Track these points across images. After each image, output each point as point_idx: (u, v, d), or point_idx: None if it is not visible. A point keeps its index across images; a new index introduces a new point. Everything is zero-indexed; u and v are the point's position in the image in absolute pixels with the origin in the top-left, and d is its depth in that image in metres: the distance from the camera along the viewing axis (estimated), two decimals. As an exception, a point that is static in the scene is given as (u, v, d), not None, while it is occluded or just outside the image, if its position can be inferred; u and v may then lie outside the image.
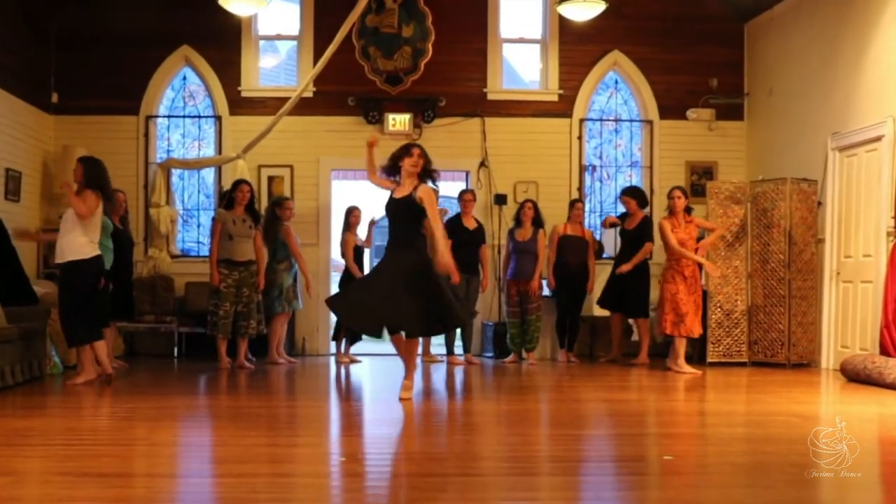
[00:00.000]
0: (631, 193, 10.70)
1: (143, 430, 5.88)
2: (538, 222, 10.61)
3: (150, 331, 11.15)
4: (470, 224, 10.82)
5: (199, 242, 11.85)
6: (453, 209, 11.80)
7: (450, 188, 14.47)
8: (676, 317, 9.58)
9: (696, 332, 9.58)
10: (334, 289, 11.47)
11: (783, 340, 10.20)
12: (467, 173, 11.98)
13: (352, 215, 10.59)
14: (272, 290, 10.02)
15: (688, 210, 9.84)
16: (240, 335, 9.73)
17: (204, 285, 10.49)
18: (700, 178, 11.85)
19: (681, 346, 9.65)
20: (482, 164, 11.77)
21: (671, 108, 11.94)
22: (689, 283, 9.61)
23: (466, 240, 10.71)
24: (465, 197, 10.83)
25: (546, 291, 10.86)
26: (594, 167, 12.08)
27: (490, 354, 11.27)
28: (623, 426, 6.25)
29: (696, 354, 10.64)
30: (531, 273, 10.45)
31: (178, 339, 11.09)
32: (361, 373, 9.72)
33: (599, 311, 11.12)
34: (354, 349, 10.78)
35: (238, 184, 9.90)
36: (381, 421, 6.23)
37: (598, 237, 11.56)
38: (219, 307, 9.62)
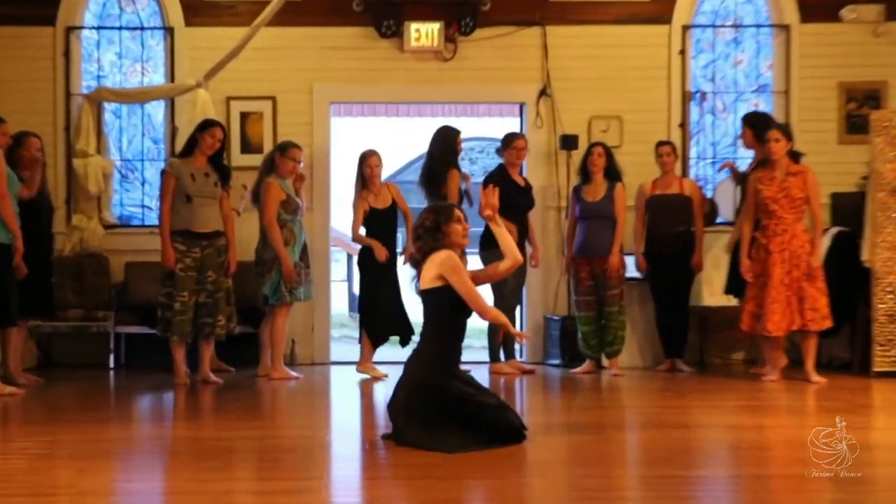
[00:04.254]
0: (752, 121, 10.55)
1: (66, 472, 5.87)
2: (613, 174, 10.59)
3: (74, 332, 11.16)
4: (520, 180, 10.86)
5: (143, 207, 11.84)
6: (494, 161, 11.73)
7: (495, 128, 14.34)
8: (756, 306, 9.66)
9: (776, 330, 9.55)
10: (336, 271, 11.41)
11: None
12: (521, 106, 11.89)
13: (365, 165, 10.42)
14: (270, 271, 10.02)
15: (794, 156, 9.83)
16: (203, 336, 9.73)
17: (152, 267, 10.46)
18: (860, 107, 11.72)
19: (769, 351, 9.80)
20: (543, 93, 11.70)
21: (817, 5, 11.80)
22: (779, 259, 9.57)
23: (519, 201, 10.68)
24: (517, 144, 10.78)
25: (633, 272, 10.86)
26: (704, 94, 11.97)
27: (556, 362, 11.25)
28: (748, 464, 6.21)
29: (857, 361, 10.53)
30: (607, 245, 10.43)
31: (116, 342, 11.11)
32: (381, 389, 9.71)
33: (713, 300, 11.10)
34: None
35: (208, 126, 9.87)
36: (409, 457, 6.19)
37: (708, 193, 11.48)
38: (174, 298, 9.60)
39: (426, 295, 6.66)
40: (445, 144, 10.58)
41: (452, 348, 6.74)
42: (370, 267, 10.25)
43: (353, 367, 10.61)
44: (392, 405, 6.65)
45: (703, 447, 6.91)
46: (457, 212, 6.80)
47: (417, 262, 6.74)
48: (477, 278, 6.80)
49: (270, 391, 9.48)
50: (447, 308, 6.62)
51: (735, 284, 10.51)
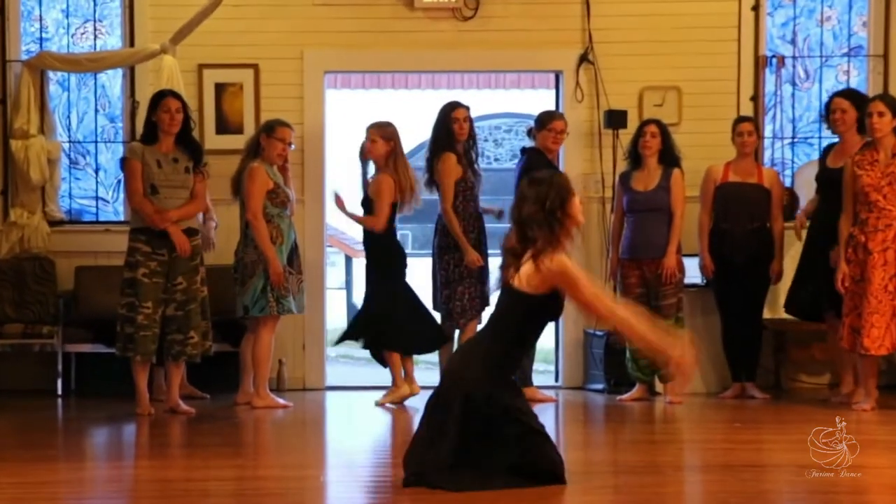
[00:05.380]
0: (851, 96, 10.52)
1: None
2: (670, 158, 10.63)
3: (13, 351, 11.19)
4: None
5: (97, 199, 11.85)
6: (523, 142, 11.75)
7: (526, 102, 14.34)
8: (858, 319, 9.64)
9: (876, 347, 9.53)
10: (333, 277, 11.40)
11: None
12: (558, 76, 11.94)
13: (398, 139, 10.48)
14: (252, 276, 10.05)
15: None
16: (172, 357, 9.75)
17: (108, 272, 10.48)
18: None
19: (864, 374, 9.77)
20: (584, 59, 11.71)
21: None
22: (881, 261, 9.59)
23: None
24: (555, 125, 10.76)
25: (692, 277, 10.91)
26: (782, 59, 11.95)
27: (599, 386, 11.28)
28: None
29: None
30: (661, 245, 10.51)
31: (64, 364, 11.12)
32: (385, 419, 9.70)
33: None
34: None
35: (159, 99, 9.88)
36: (421, 502, 6.16)
37: (788, 182, 11.50)
38: (136, 309, 9.61)
39: (519, 297, 6.57)
40: (439, 121, 10.69)
41: (519, 358, 6.78)
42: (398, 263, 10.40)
43: (354, 393, 10.67)
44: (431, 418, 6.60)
45: (780, 492, 6.89)
46: (567, 177, 6.77)
47: (518, 256, 6.57)
48: None
49: (253, 422, 9.51)
50: (537, 315, 6.63)
51: (797, 298, 10.59)
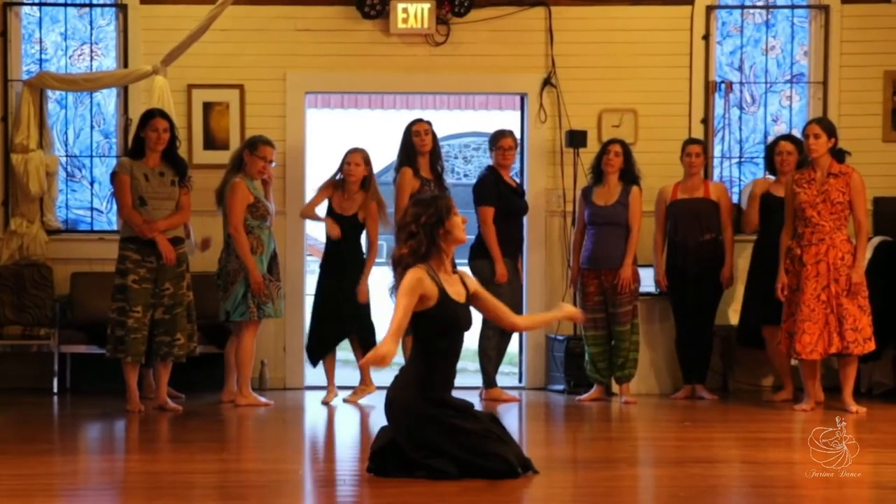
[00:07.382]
0: (795, 139, 10.55)
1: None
2: (630, 176, 10.64)
3: (12, 352, 11.15)
4: (512, 182, 10.99)
5: (92, 209, 11.83)
6: (484, 161, 11.80)
7: (494, 121, 14.29)
8: (793, 325, 9.70)
9: (808, 352, 9.58)
10: (311, 284, 11.42)
11: None
12: (523, 98, 11.96)
13: (344, 162, 10.48)
14: (233, 284, 10.06)
15: (838, 155, 9.84)
16: (160, 357, 9.75)
17: (101, 278, 10.49)
18: (913, 100, 11.75)
19: (804, 377, 9.86)
20: (547, 83, 11.74)
21: (862, -18, 11.84)
22: (814, 272, 9.62)
23: (517, 205, 10.83)
24: (503, 143, 10.86)
25: (649, 286, 10.94)
26: (730, 85, 11.98)
27: (559, 387, 11.27)
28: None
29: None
30: (619, 256, 10.49)
31: (60, 364, 11.09)
32: (349, 418, 9.68)
33: (738, 318, 11.12)
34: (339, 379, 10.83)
35: (148, 118, 9.88)
36: (391, 494, 6.16)
37: (734, 198, 11.50)
38: (126, 313, 9.62)
39: (416, 315, 6.62)
40: (402, 138, 10.78)
41: (439, 370, 6.69)
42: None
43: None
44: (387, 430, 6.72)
45: (726, 486, 6.90)
46: (452, 201, 6.83)
47: (408, 267, 6.63)
48: (477, 298, 6.83)
49: (236, 419, 9.50)
50: (433, 329, 6.65)
51: (747, 330, 10.71)
